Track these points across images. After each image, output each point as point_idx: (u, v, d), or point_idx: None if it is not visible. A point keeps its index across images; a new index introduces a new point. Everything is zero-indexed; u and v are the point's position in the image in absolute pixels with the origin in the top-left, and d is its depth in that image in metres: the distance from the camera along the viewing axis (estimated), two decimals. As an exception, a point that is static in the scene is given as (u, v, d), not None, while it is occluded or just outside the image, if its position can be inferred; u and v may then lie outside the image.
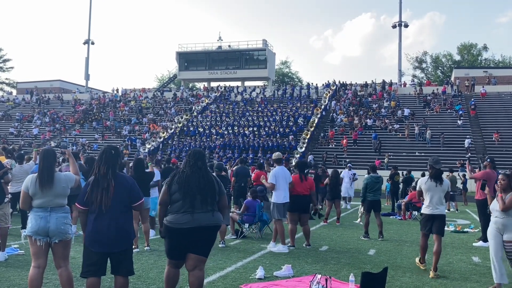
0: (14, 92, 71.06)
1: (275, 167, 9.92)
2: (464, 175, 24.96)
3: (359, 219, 14.82)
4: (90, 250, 4.85)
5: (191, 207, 5.14)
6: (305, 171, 10.45)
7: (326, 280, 5.99)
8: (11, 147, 15.39)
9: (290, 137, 37.93)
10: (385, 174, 24.51)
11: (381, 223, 11.54)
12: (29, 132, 46.41)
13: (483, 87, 45.00)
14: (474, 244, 10.90)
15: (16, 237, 9.97)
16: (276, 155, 10.12)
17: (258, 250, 9.35)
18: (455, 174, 22.44)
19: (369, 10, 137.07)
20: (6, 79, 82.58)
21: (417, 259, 8.25)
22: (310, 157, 32.64)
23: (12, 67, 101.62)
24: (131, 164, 11.25)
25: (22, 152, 12.95)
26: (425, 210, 7.83)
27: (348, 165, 20.47)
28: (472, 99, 41.44)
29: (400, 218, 16.49)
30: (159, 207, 5.42)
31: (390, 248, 10.11)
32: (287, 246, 9.55)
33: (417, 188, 8.10)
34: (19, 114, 51.63)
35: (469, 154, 33.38)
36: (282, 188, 9.55)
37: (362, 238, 11.41)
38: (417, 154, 34.58)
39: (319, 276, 6.14)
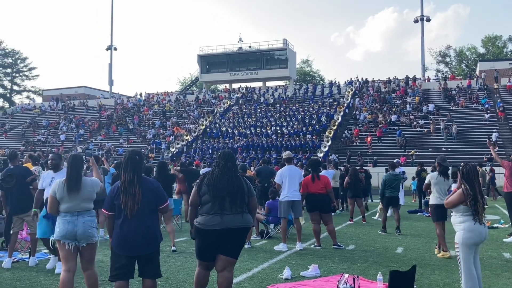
0: (40, 99, 72.48)
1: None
2: (491, 170, 24.52)
3: (377, 215, 15.00)
4: (118, 253, 4.89)
5: (220, 209, 5.17)
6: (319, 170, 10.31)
7: (354, 279, 5.94)
8: (36, 154, 15.72)
9: (314, 136, 37.69)
10: (411, 170, 24.24)
11: (399, 218, 11.96)
12: (56, 138, 47.24)
13: (509, 80, 44.06)
14: (504, 240, 10.69)
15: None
16: (286, 154, 10.14)
17: (284, 251, 9.33)
18: (484, 169, 21.97)
19: (391, 4, 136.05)
20: (32, 87, 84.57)
21: (436, 251, 8.91)
22: (333, 156, 32.33)
23: (37, 75, 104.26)
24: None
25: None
26: (434, 200, 8.98)
27: (395, 160, 17.69)
28: (500, 101, 40.24)
29: (427, 215, 16.25)
30: (189, 208, 5.45)
31: (418, 246, 9.98)
32: (301, 244, 9.56)
33: (426, 181, 9.26)
34: (45, 121, 52.61)
35: (493, 136, 32.74)
36: (287, 187, 9.56)
37: (380, 232, 11.78)
38: (443, 149, 34.04)
39: (346, 275, 6.10)
